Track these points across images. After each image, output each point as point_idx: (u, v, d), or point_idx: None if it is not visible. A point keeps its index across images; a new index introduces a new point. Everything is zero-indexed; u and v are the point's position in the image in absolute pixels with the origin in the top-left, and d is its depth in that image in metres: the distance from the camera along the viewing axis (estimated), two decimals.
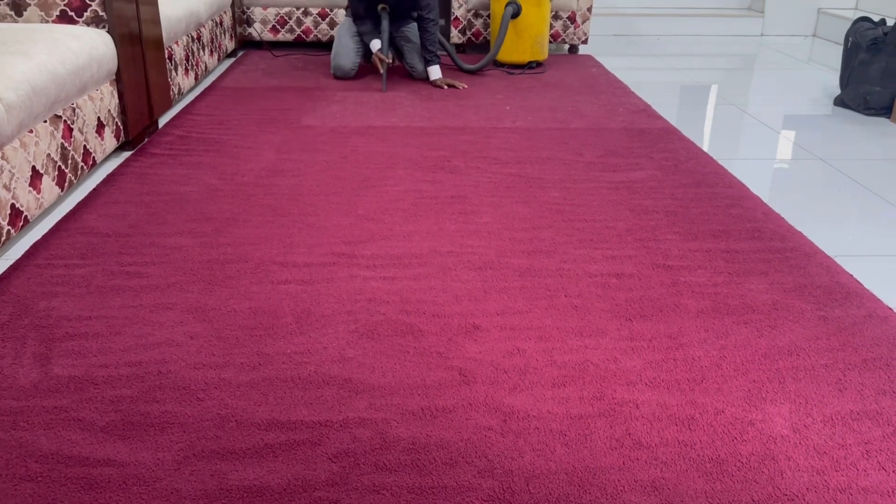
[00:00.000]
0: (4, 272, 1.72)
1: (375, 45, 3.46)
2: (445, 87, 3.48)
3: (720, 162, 2.56)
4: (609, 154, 2.61)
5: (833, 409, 1.28)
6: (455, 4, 4.20)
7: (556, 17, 4.23)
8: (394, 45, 3.69)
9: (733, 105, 3.36)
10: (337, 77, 3.61)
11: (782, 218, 2.08)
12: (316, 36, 4.25)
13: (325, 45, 4.41)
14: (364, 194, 2.21)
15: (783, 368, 1.39)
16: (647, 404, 1.28)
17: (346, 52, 3.56)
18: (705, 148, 2.73)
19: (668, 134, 2.85)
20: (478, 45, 4.44)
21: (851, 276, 1.75)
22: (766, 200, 2.23)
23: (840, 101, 3.34)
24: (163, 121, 2.95)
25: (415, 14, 3.54)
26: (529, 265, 1.78)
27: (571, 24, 4.26)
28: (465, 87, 3.49)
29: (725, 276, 1.74)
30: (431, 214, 2.07)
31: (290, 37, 4.24)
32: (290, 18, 4.21)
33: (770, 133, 2.95)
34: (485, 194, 2.23)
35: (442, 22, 4.23)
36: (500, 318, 1.55)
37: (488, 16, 4.20)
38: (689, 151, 2.64)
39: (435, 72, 3.51)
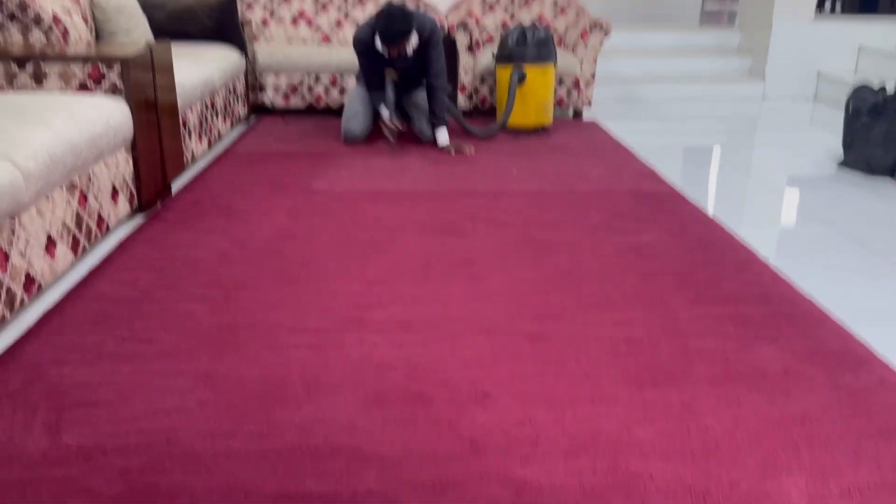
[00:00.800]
0: (18, 340, 1.72)
1: (384, 112, 3.56)
2: (453, 151, 3.54)
3: (726, 225, 2.58)
4: (615, 217, 2.63)
5: (850, 480, 1.25)
6: (462, 72, 4.31)
7: (560, 83, 4.33)
8: (403, 110, 3.78)
9: (737, 168, 3.41)
10: (347, 142, 3.68)
11: (790, 282, 2.08)
12: (326, 103, 4.35)
13: (336, 112, 4.51)
14: (373, 258, 2.23)
15: (797, 437, 1.37)
16: (661, 476, 1.26)
17: (356, 118, 3.64)
18: (711, 211, 2.75)
19: (674, 197, 2.88)
20: (484, 111, 4.53)
21: (862, 341, 1.74)
22: (773, 264, 2.24)
23: (844, 164, 3.38)
24: (176, 186, 3.00)
25: (424, 81, 3.64)
26: (539, 330, 1.78)
27: (575, 89, 4.36)
28: (473, 151, 3.56)
29: (735, 341, 1.73)
30: (440, 278, 2.08)
31: (301, 103, 4.35)
32: (302, 86, 4.33)
33: (775, 196, 2.98)
34: (493, 258, 2.24)
35: (450, 88, 4.34)
36: (509, 384, 1.54)
37: (494, 82, 4.30)
38: (694, 215, 2.66)
39: (443, 136, 3.58)
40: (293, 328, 1.78)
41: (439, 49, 3.48)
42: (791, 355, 1.67)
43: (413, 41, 3.37)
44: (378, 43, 3.35)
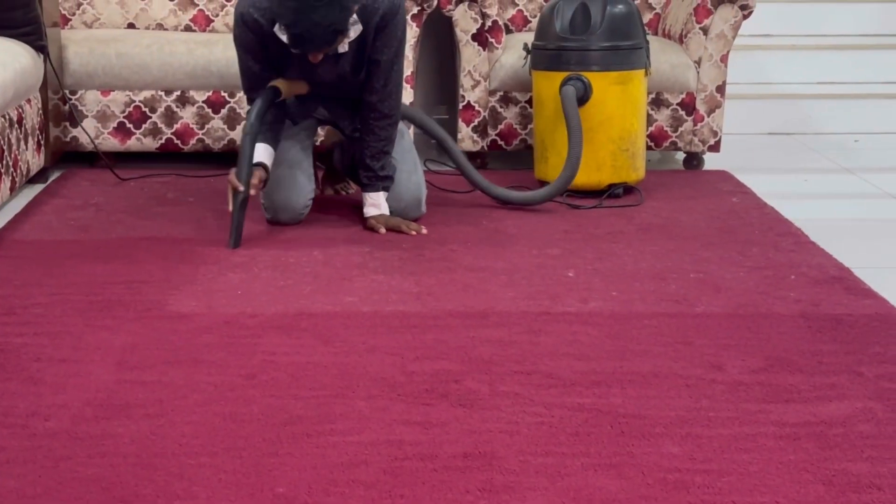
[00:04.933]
0: None
1: (260, 155, 3.53)
2: (383, 229, 3.65)
3: None
4: (774, 366, 2.62)
5: None
6: (466, 83, 4.39)
7: (657, 102, 4.40)
8: (344, 151, 3.89)
9: None
10: (274, 221, 3.74)
11: None
12: (202, 142, 4.42)
13: (221, 159, 4.53)
14: (289, 452, 2.20)
15: None
16: None
17: (291, 177, 3.70)
18: None
19: (889, 325, 2.88)
20: (509, 155, 4.58)
21: None
22: None
23: None
24: None
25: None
26: None
27: (688, 115, 4.42)
28: (424, 231, 3.67)
29: None
30: (424, 496, 2.04)
31: (151, 144, 4.42)
32: (154, 111, 4.39)
33: None
34: (531, 451, 2.22)
35: (443, 116, 4.41)
36: None
37: (528, 102, 4.38)
38: None
39: (375, 203, 3.68)
40: None
41: (397, 42, 3.55)
42: None
43: (352, 31, 3.42)
44: (283, 36, 3.36)
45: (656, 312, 2.97)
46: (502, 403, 2.42)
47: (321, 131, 4.05)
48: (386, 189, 3.68)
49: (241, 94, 4.33)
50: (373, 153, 3.63)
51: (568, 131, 3.86)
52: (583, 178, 3.97)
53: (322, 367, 2.60)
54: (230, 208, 3.50)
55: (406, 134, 3.81)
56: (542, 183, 4.02)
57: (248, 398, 2.43)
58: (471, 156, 4.45)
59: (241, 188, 3.46)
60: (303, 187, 3.72)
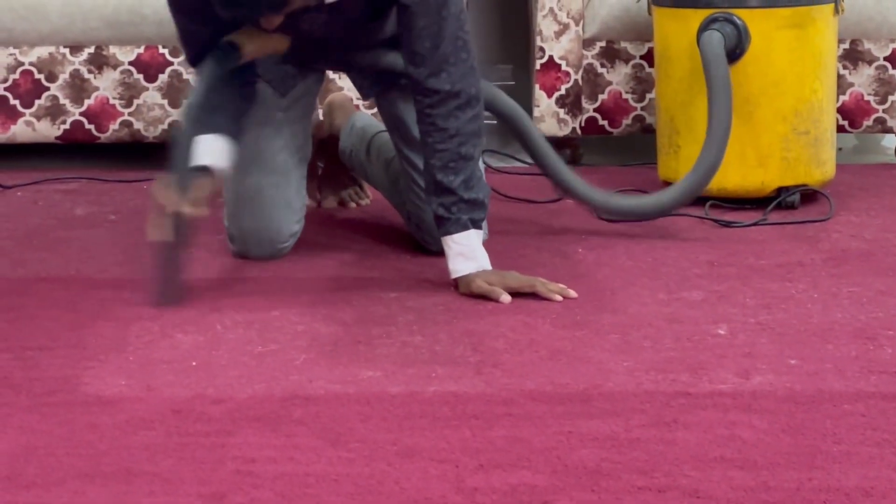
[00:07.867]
0: None
1: (205, 153, 3.47)
2: (506, 298, 3.50)
3: None
4: None
5: None
6: (547, 27, 4.39)
7: (853, 56, 4.38)
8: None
9: None
10: (245, 256, 3.79)
11: None
12: (129, 126, 4.43)
13: (159, 154, 4.56)
14: None
15: None
16: None
17: (273, 187, 3.74)
18: None
19: None
20: (616, 142, 4.58)
21: None
22: None
23: None
24: None
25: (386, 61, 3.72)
26: None
27: None
28: (573, 294, 3.54)
29: None
30: None
31: (49, 131, 4.43)
32: (54, 79, 4.41)
33: None
34: None
35: (507, 74, 4.40)
36: None
37: (647, 58, 4.37)
38: None
39: (465, 252, 3.57)
40: None
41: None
42: None
43: None
44: None
45: (863, 392, 2.93)
46: None
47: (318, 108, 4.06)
48: (478, 225, 3.53)
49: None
50: (444, 162, 3.51)
51: (709, 98, 3.87)
52: (737, 178, 3.99)
53: (330, 481, 2.56)
54: (156, 238, 3.38)
55: None
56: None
57: None
58: (555, 143, 4.46)
59: (176, 208, 3.35)
60: (287, 206, 3.75)
